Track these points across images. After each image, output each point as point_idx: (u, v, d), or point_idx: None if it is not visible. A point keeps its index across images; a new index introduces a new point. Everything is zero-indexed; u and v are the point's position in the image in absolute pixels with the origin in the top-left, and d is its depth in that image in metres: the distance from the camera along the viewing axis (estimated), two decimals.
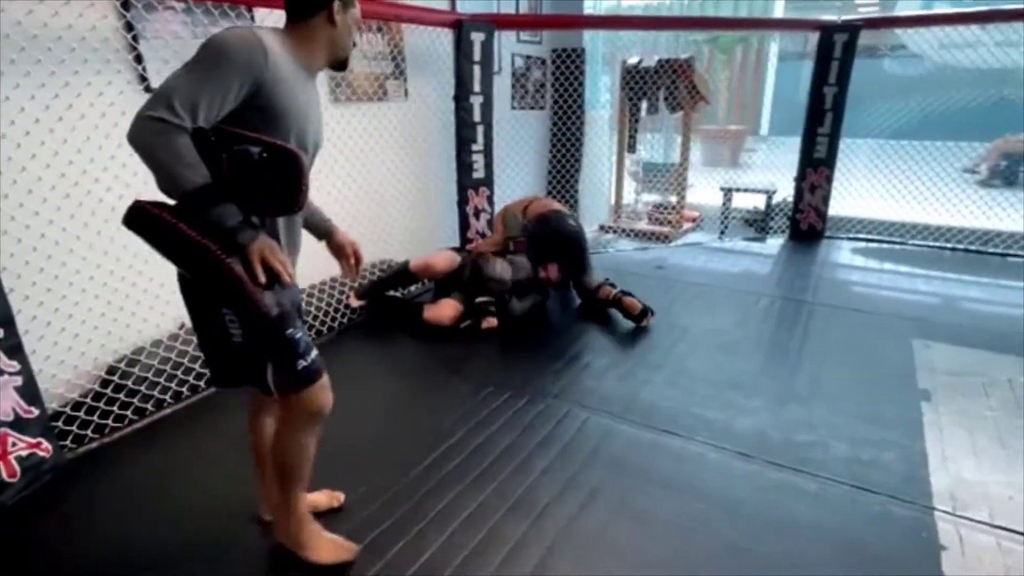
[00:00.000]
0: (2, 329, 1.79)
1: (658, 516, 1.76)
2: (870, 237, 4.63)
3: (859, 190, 4.75)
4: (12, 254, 1.92)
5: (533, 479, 1.91)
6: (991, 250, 4.23)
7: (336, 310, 3.06)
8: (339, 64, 1.46)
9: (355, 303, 3.16)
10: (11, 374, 1.83)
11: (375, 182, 3.39)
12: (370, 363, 2.82)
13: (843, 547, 1.64)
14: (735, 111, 9.70)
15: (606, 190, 5.63)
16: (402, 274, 3.22)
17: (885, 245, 4.50)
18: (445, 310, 3.05)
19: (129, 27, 2.16)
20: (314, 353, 1.40)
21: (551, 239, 3.23)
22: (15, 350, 1.84)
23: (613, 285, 3.24)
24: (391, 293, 3.32)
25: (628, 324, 3.13)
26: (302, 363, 1.36)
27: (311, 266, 3.00)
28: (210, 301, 1.33)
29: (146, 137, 1.11)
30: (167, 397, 2.36)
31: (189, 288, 1.37)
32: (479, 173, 3.80)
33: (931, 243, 4.46)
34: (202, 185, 1.15)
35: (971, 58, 4.38)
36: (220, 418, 2.33)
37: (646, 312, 3.10)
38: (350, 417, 2.30)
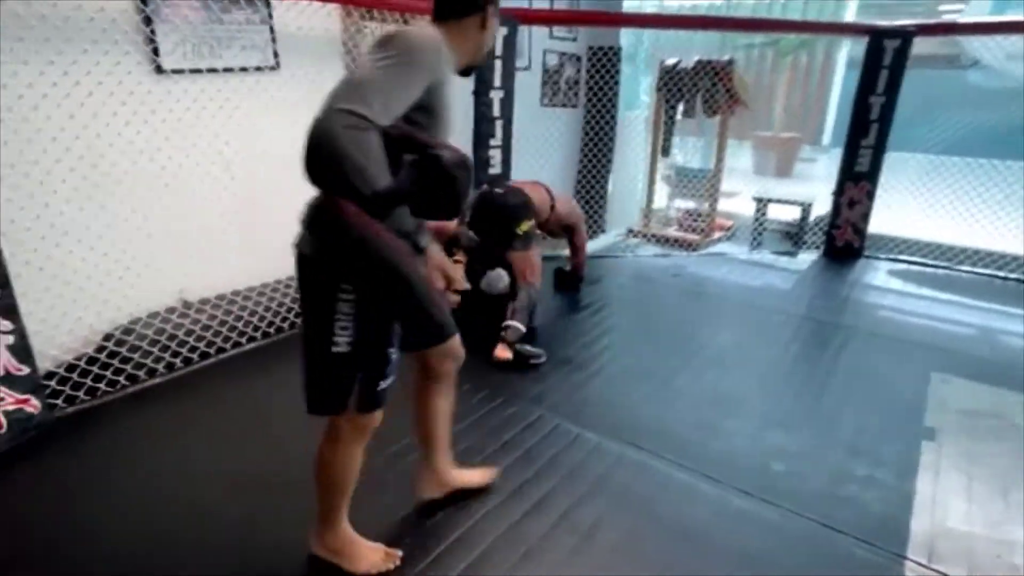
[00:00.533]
0: None
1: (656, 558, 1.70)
2: (912, 259, 4.31)
3: (906, 207, 4.43)
4: (13, 220, 2.05)
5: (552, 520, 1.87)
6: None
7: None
8: (469, 71, 1.41)
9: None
10: (4, 332, 1.96)
11: None
12: None
13: None
14: (793, 118, 9.27)
15: (639, 194, 5.50)
16: None
17: (928, 269, 4.18)
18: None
19: (141, 10, 2.25)
20: None
21: None
22: (9, 310, 1.96)
23: None
24: None
25: (619, 328, 3.05)
26: None
27: (272, 263, 3.09)
28: (344, 305, 1.26)
29: (339, 130, 1.03)
30: (159, 367, 2.47)
31: (318, 294, 1.27)
32: (495, 169, 3.78)
33: (980, 270, 4.10)
34: (388, 186, 1.11)
35: None
36: (211, 390, 2.41)
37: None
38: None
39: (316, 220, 1.23)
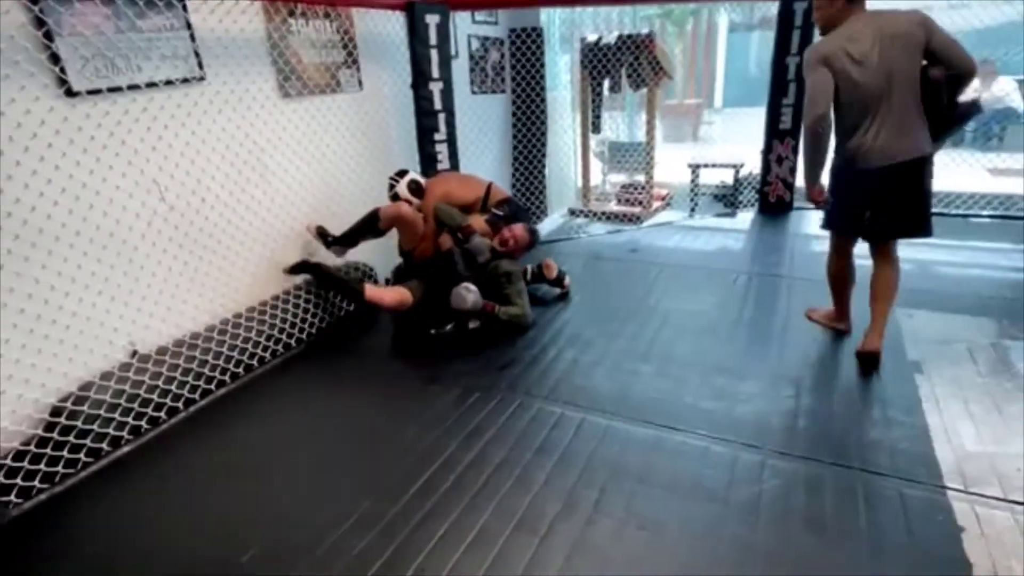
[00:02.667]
0: None
1: (667, 524, 1.67)
2: None
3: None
4: None
5: (535, 493, 1.80)
6: (952, 212, 4.30)
7: (294, 325, 2.85)
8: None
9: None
10: None
11: (334, 181, 3.18)
12: (340, 380, 2.62)
13: (862, 537, 1.58)
14: (691, 85, 9.69)
15: (572, 173, 5.52)
16: (367, 219, 3.03)
17: None
18: (390, 293, 2.89)
19: (40, 23, 1.89)
20: None
21: (521, 216, 3.23)
22: None
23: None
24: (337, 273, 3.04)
25: (601, 311, 3.05)
26: None
27: (228, 296, 2.82)
28: None
29: None
30: (124, 433, 2.15)
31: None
32: (444, 163, 3.62)
33: None
34: None
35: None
36: (186, 451, 2.13)
37: (563, 275, 3.31)
38: (327, 441, 2.15)
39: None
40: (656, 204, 5.02)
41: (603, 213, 4.93)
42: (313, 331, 2.93)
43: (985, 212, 4.26)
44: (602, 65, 4.69)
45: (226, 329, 2.55)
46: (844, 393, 2.25)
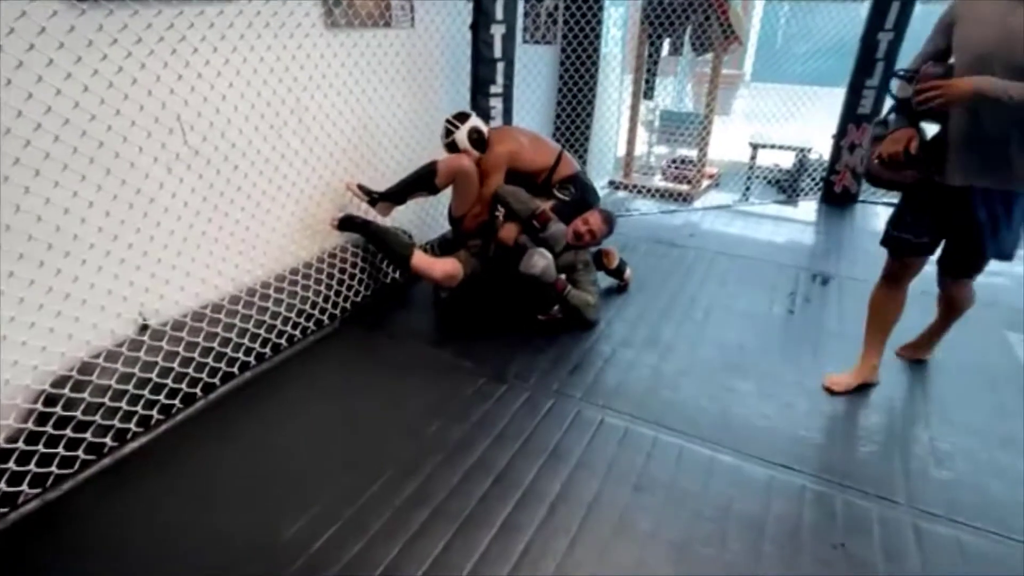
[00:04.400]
0: None
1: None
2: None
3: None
4: None
5: (641, 544, 1.48)
6: None
7: (327, 299, 2.46)
8: None
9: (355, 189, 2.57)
10: None
11: (378, 131, 2.73)
12: (378, 368, 2.24)
13: None
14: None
15: (613, 141, 5.07)
16: (423, 174, 2.62)
17: None
18: (439, 264, 2.53)
19: None
20: None
21: (589, 199, 2.80)
22: None
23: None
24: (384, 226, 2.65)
25: (674, 307, 2.70)
26: None
27: (256, 259, 2.42)
28: None
29: None
30: (131, 425, 1.77)
31: None
32: (496, 120, 3.17)
33: None
34: None
35: None
36: (205, 447, 1.77)
37: (623, 265, 2.91)
38: (360, 441, 1.77)
39: None
40: (705, 183, 4.63)
41: (648, 189, 4.52)
42: (348, 306, 2.54)
43: None
44: (665, 23, 4.20)
45: (252, 301, 2.15)
46: (977, 435, 1.95)
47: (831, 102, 4.37)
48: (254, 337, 2.13)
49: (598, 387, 2.13)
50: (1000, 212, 1.77)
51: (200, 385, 1.96)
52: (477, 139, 2.64)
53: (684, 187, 4.49)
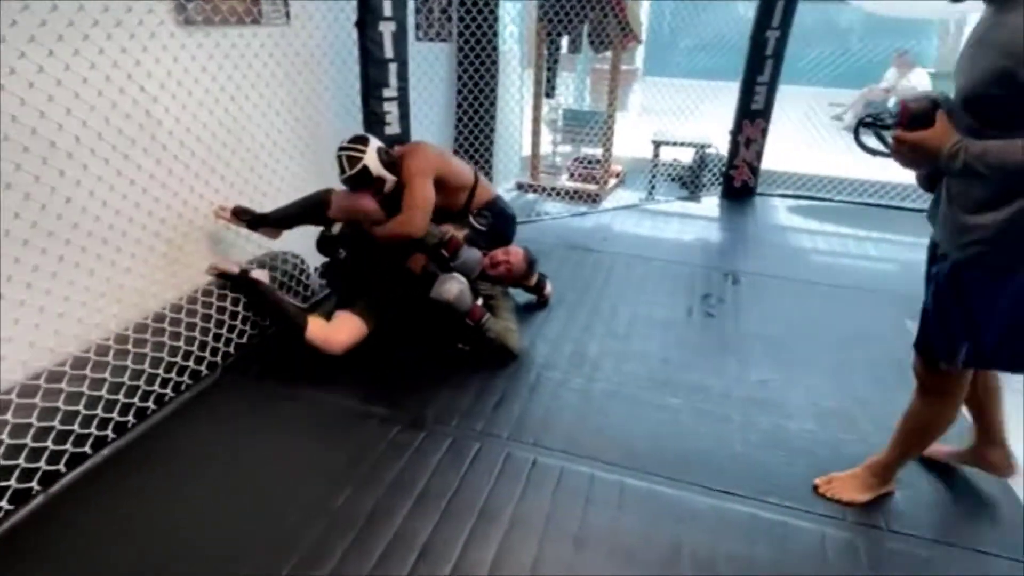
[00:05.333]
0: None
1: None
2: (799, 194, 4.47)
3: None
4: None
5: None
6: (909, 205, 4.26)
7: (204, 345, 2.09)
8: None
9: (222, 214, 2.19)
10: None
11: (253, 144, 2.37)
12: (268, 423, 1.94)
13: None
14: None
15: (517, 141, 4.91)
16: (314, 202, 2.28)
17: (815, 203, 4.36)
18: (340, 333, 2.16)
19: None
20: None
21: (507, 230, 2.58)
22: None
23: None
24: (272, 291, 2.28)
25: (595, 321, 2.58)
26: None
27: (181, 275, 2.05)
28: None
29: None
30: (60, 467, 1.36)
31: None
32: (392, 126, 2.88)
33: (857, 199, 4.37)
34: None
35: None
36: (44, 552, 1.39)
37: (543, 281, 2.71)
38: (236, 519, 1.47)
39: None
40: (612, 182, 4.59)
41: (558, 189, 4.40)
42: (231, 350, 2.18)
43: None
44: (564, 20, 4.09)
45: (104, 360, 1.76)
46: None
47: (725, 98, 4.48)
48: (110, 405, 1.74)
49: (526, 422, 1.94)
50: (936, 289, 1.35)
51: (37, 477, 1.56)
52: (389, 161, 2.25)
53: (592, 187, 4.42)
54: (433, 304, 2.16)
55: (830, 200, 4.40)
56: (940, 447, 1.75)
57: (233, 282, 2.16)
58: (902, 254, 3.48)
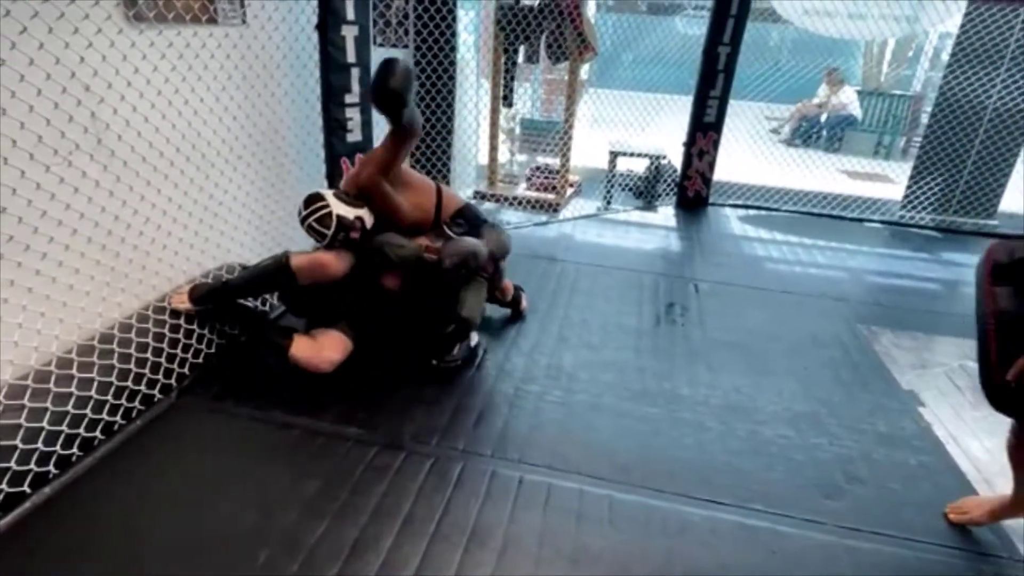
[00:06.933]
0: None
1: None
2: (748, 204, 4.63)
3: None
4: None
5: None
6: (850, 215, 4.49)
7: (156, 367, 1.93)
8: None
9: (181, 305, 2.03)
10: None
11: (208, 149, 2.22)
12: (225, 447, 1.81)
13: None
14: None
15: (474, 150, 4.87)
16: (273, 275, 2.04)
17: (764, 212, 4.52)
18: (327, 350, 2.03)
19: None
20: None
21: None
22: None
23: None
24: (245, 303, 2.25)
25: (571, 333, 2.56)
26: None
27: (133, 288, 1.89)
28: None
29: None
30: None
31: None
32: (355, 135, 2.79)
33: (802, 209, 4.54)
34: None
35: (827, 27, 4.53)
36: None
37: (519, 294, 2.71)
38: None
39: None
40: (569, 191, 4.62)
41: (517, 199, 4.38)
42: (186, 371, 2.03)
43: (875, 217, 4.51)
44: (521, 30, 4.09)
45: (44, 387, 1.59)
46: (854, 430, 2.04)
47: (671, 110, 4.68)
48: (51, 438, 1.57)
49: (509, 438, 1.89)
50: None
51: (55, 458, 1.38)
52: (349, 199, 2.07)
53: (551, 196, 4.43)
54: (447, 274, 2.08)
55: (777, 210, 4.57)
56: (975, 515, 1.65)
57: (207, 298, 2.03)
58: (846, 261, 3.67)
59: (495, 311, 2.67)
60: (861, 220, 4.46)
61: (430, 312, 2.24)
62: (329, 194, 2.05)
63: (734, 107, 4.36)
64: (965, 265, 3.73)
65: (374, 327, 2.20)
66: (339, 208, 2.01)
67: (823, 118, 7.59)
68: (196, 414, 1.92)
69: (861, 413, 2.15)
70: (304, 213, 2.03)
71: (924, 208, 4.45)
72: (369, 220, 2.10)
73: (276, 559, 1.41)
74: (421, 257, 2.14)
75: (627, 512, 1.63)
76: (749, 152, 5.13)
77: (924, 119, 5.81)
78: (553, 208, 4.33)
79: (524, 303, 2.72)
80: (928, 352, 2.63)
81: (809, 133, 7.72)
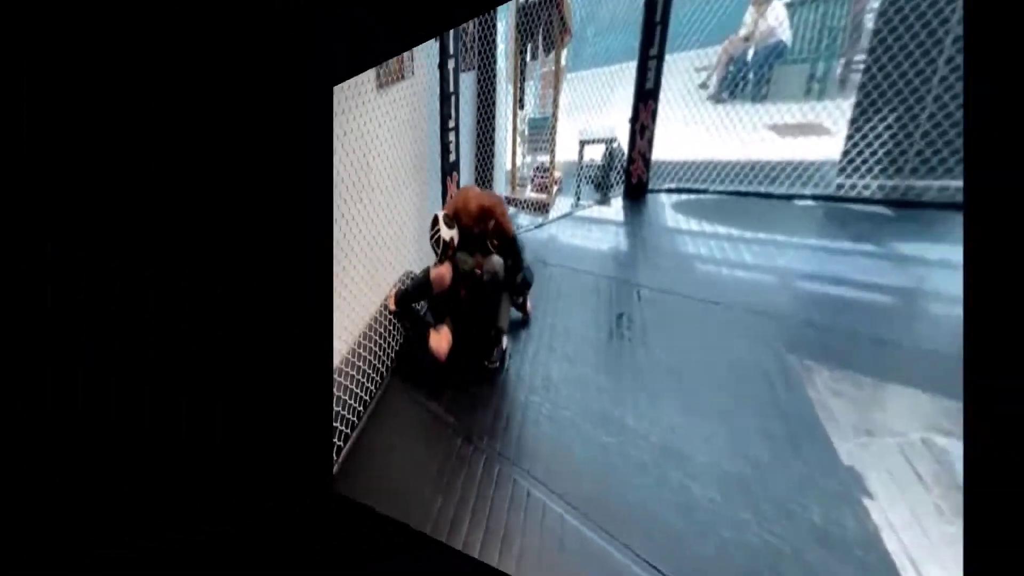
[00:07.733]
0: None
1: None
2: (680, 187, 4.32)
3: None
4: None
5: None
6: (778, 191, 3.92)
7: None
8: None
9: (392, 306, 2.88)
10: None
11: (400, 175, 2.88)
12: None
13: None
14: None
15: (504, 156, 4.78)
16: (422, 285, 2.78)
17: (694, 197, 4.21)
18: (444, 342, 2.65)
19: None
20: None
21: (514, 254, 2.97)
22: None
23: None
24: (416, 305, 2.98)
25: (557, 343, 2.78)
26: None
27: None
28: None
29: None
30: None
31: None
32: (452, 156, 3.38)
33: (729, 188, 4.12)
34: None
35: None
36: None
37: (525, 294, 3.07)
38: None
39: None
40: (555, 188, 4.59)
41: (524, 201, 4.49)
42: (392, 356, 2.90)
43: (807, 192, 3.81)
44: (530, 27, 4.15)
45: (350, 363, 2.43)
46: (792, 518, 1.74)
47: (626, 80, 4.29)
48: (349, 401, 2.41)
49: (523, 448, 2.15)
50: None
51: None
52: (450, 221, 2.67)
53: (543, 196, 4.49)
54: (486, 288, 2.66)
55: (705, 191, 4.21)
56: None
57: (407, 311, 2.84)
58: (774, 259, 3.18)
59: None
60: (791, 197, 3.82)
61: (480, 319, 2.74)
62: (441, 216, 2.67)
63: (668, 64, 3.99)
64: (929, 262, 2.87)
65: (458, 328, 2.78)
66: (445, 232, 2.64)
67: (750, 55, 5.94)
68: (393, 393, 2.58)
69: (791, 487, 1.81)
70: (430, 232, 2.70)
71: (870, 171, 3.45)
72: (456, 240, 2.71)
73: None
74: (474, 272, 2.72)
75: (592, 552, 1.71)
76: (680, 119, 4.53)
77: (869, 25, 4.29)
78: (545, 210, 4.42)
79: (530, 306, 3.08)
80: (878, 410, 2.05)
81: (735, 80, 6.03)
